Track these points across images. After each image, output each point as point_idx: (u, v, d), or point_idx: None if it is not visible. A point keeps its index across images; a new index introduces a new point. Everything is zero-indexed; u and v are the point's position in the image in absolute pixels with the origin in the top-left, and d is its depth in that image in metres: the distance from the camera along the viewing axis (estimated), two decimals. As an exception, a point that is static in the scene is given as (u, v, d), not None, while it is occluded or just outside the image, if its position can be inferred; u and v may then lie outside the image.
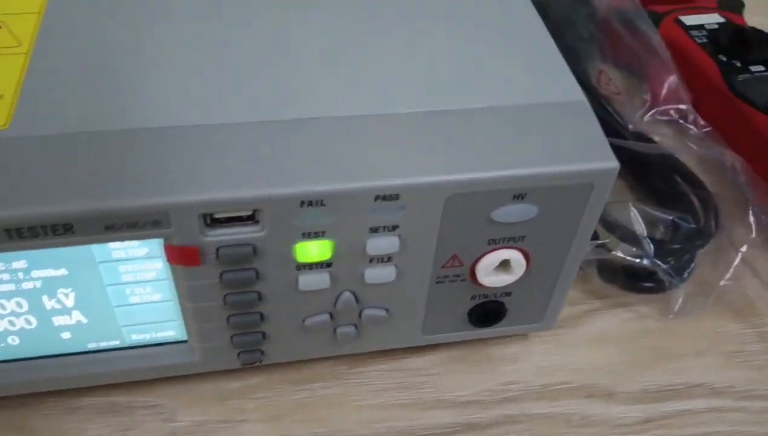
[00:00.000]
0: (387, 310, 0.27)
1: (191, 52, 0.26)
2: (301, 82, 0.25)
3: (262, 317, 0.26)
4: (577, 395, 0.31)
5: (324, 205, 0.23)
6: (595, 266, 0.34)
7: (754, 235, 0.33)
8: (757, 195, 0.34)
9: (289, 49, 0.27)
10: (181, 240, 0.23)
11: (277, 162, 0.23)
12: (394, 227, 0.24)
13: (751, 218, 0.33)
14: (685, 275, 0.33)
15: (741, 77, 0.41)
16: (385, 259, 0.25)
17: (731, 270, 0.33)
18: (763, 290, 0.34)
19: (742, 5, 0.48)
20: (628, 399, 0.31)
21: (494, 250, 0.26)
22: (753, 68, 0.41)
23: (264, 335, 0.27)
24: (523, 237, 0.26)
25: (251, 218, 0.23)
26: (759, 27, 0.48)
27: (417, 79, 0.26)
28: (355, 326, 0.28)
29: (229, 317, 0.26)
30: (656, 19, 0.45)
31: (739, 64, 0.42)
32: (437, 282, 0.27)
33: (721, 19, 0.45)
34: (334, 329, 0.28)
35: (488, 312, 0.29)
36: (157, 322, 0.27)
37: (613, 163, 0.24)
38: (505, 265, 0.27)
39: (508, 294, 0.28)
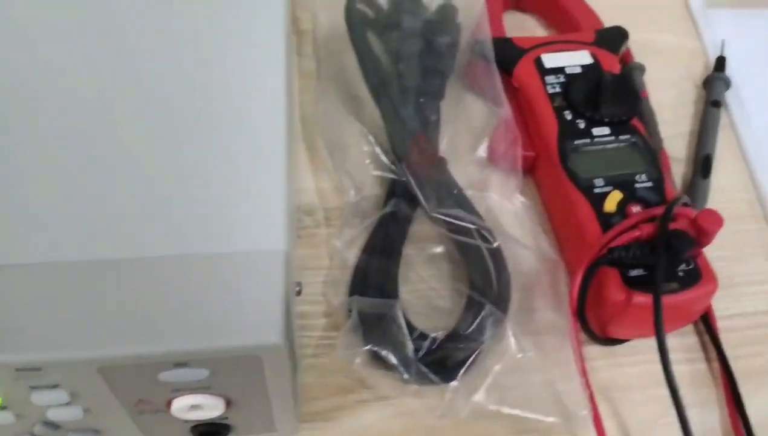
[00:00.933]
0: (97, 431, 0.27)
1: None
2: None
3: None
4: (317, 497, 0.31)
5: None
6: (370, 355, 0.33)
7: (512, 349, 0.32)
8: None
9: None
10: None
11: None
12: (55, 386, 0.24)
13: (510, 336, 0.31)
14: (456, 375, 0.32)
15: (576, 143, 0.38)
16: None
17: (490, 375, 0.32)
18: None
19: (624, 38, 0.44)
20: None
21: (180, 396, 0.25)
22: (596, 131, 0.38)
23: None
24: (208, 387, 0.25)
25: None
26: (667, 47, 0.44)
27: (78, 223, 0.24)
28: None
29: None
30: (516, 56, 0.42)
31: (582, 125, 0.38)
32: (139, 414, 0.27)
33: (590, 60, 0.42)
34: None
35: (210, 432, 0.29)
36: None
37: (276, 340, 0.23)
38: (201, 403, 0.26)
39: (225, 417, 0.28)
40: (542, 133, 0.39)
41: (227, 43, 0.31)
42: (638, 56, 0.47)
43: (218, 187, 0.26)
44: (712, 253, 0.38)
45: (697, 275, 0.33)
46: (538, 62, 0.41)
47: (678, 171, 0.43)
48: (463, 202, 0.37)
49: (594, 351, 0.35)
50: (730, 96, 0.46)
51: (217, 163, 0.26)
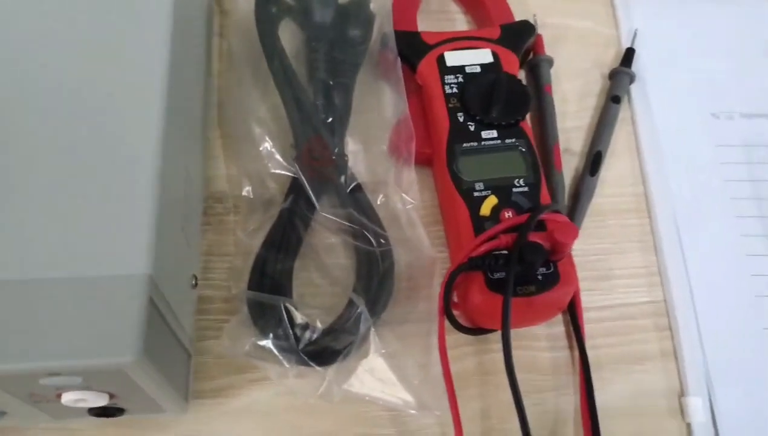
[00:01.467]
0: (3, 412, 0.32)
1: None
2: None
3: None
4: (204, 465, 0.36)
5: None
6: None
7: (377, 344, 0.36)
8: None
9: None
10: None
11: None
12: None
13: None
14: (332, 363, 0.36)
15: (464, 146, 0.40)
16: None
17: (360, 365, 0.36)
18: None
19: (529, 33, 0.46)
20: (247, 474, 0.36)
21: (66, 392, 0.29)
22: (484, 134, 0.41)
23: None
24: (88, 387, 0.29)
25: None
26: (582, 34, 0.48)
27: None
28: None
29: None
30: (422, 52, 0.44)
31: (473, 128, 0.41)
32: (36, 402, 0.31)
33: (490, 59, 0.43)
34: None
35: (105, 412, 0.33)
36: None
37: (133, 358, 0.27)
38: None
39: (114, 404, 0.32)
40: (437, 133, 0.41)
41: (104, 43, 0.32)
42: (553, 43, 0.49)
43: (84, 207, 0.28)
44: (594, 246, 0.42)
45: (555, 279, 0.36)
46: (441, 60, 0.43)
47: (573, 165, 0.46)
48: (357, 202, 0.40)
49: (466, 340, 0.39)
50: (635, 89, 0.48)
51: (82, 181, 0.29)
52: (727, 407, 0.39)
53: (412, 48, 0.44)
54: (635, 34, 0.49)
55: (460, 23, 0.50)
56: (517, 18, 0.47)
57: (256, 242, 0.40)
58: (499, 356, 0.39)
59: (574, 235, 0.35)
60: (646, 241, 0.43)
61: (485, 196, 0.38)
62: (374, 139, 0.42)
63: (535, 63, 0.47)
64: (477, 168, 0.39)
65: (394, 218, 0.40)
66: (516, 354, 0.39)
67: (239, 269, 0.39)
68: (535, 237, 0.36)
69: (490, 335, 0.40)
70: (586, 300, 0.41)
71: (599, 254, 0.43)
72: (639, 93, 0.48)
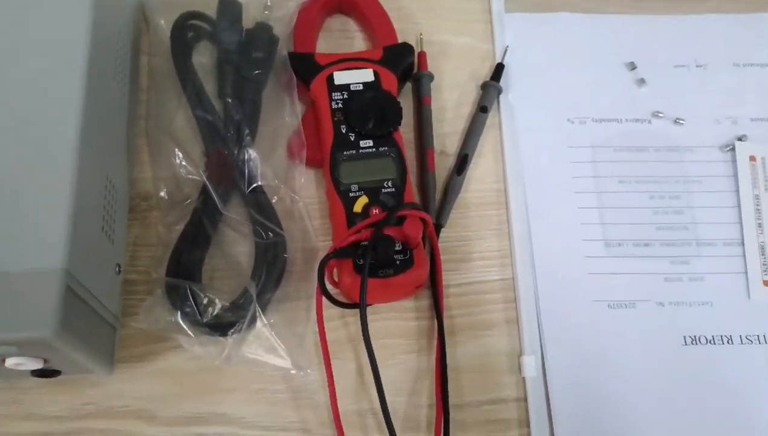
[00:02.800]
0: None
1: None
2: None
3: None
4: (129, 416, 0.45)
5: None
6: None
7: (262, 319, 0.44)
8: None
9: None
10: None
11: None
12: None
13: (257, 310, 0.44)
14: (231, 333, 0.45)
15: (345, 153, 0.49)
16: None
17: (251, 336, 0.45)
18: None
19: (408, 54, 0.54)
20: (164, 422, 0.45)
21: (6, 358, 0.38)
22: (362, 143, 0.49)
23: None
24: (24, 354, 0.38)
25: None
26: (461, 50, 0.57)
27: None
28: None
29: None
30: (314, 72, 0.52)
31: (352, 138, 0.49)
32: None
33: (371, 78, 0.52)
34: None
35: (44, 374, 0.42)
36: None
37: (47, 333, 0.35)
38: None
39: (49, 366, 0.41)
40: (324, 143, 0.50)
41: (21, 50, 0.40)
42: (437, 58, 0.57)
43: (8, 212, 0.36)
44: (458, 233, 0.51)
45: (409, 263, 0.45)
46: (330, 79, 0.51)
47: (446, 164, 0.54)
48: (257, 201, 0.48)
49: (342, 313, 0.48)
50: (504, 97, 0.56)
51: (5, 188, 0.36)
52: (556, 364, 0.48)
53: (307, 68, 0.52)
54: (506, 50, 0.57)
55: (358, 41, 0.58)
56: (407, 35, 0.56)
57: (174, 235, 0.48)
58: (370, 326, 0.48)
59: (419, 229, 0.44)
60: (502, 229, 0.52)
61: (358, 196, 0.47)
62: (276, 146, 0.50)
63: (417, 78, 0.55)
64: (353, 172, 0.48)
65: (288, 213, 0.49)
66: (386, 324, 0.48)
67: (159, 257, 0.48)
68: (393, 230, 0.45)
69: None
70: (447, 278, 0.50)
71: (462, 240, 0.52)
72: (506, 102, 0.56)
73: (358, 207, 0.47)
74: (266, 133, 0.51)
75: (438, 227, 0.51)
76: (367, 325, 0.43)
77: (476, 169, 0.54)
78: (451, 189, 0.52)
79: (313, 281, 0.47)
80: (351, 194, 0.47)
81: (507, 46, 0.58)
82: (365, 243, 0.44)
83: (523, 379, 0.48)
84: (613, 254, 0.51)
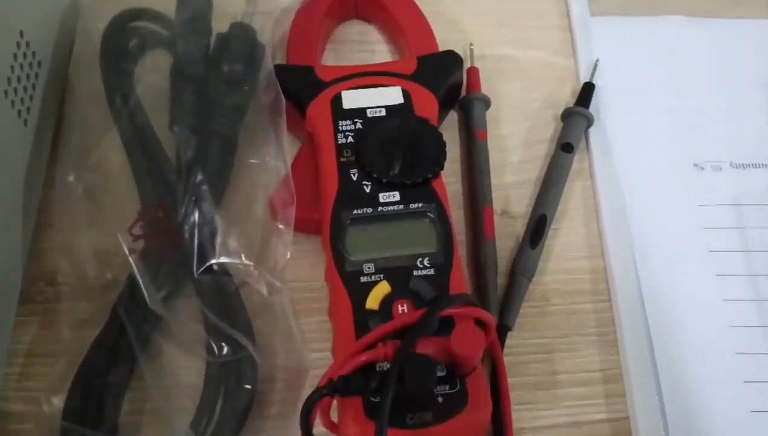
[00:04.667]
0: None
1: None
2: None
3: None
4: None
5: None
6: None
7: None
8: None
9: None
10: None
11: None
12: None
13: None
14: None
15: (355, 213, 0.31)
16: None
17: None
18: None
19: (455, 67, 0.36)
20: None
21: None
22: (383, 197, 0.31)
23: None
24: None
25: None
26: (531, 66, 0.39)
27: None
28: None
29: None
30: (314, 91, 0.34)
31: (368, 189, 0.31)
32: None
33: (400, 100, 0.34)
34: None
35: None
36: None
37: None
38: None
39: None
40: (324, 196, 0.32)
41: None
42: (494, 76, 0.40)
43: None
44: (534, 341, 0.32)
45: (462, 401, 0.26)
46: (336, 101, 0.34)
47: (512, 231, 0.36)
48: (214, 289, 0.30)
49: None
50: (596, 132, 0.38)
51: None
52: None
53: (303, 86, 0.35)
54: (596, 66, 0.39)
55: (382, 55, 0.41)
56: (448, 48, 0.38)
57: (86, 343, 0.30)
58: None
59: (477, 346, 0.25)
60: (604, 334, 0.33)
61: (375, 283, 0.29)
62: (252, 203, 0.33)
63: (467, 103, 0.37)
64: (368, 243, 0.30)
65: (264, 309, 0.31)
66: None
67: (60, 376, 0.30)
68: (433, 344, 0.26)
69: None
70: (519, 419, 0.31)
71: (542, 351, 0.33)
72: (600, 137, 0.38)
73: (373, 301, 0.28)
74: (238, 185, 0.34)
75: (503, 331, 0.32)
76: None
77: (557, 239, 0.35)
78: (521, 269, 0.33)
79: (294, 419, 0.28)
80: (363, 279, 0.29)
81: (597, 60, 0.40)
82: (385, 367, 0.25)
83: None
84: (788, 377, 0.32)
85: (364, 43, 0.41)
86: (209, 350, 0.29)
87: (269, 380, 0.29)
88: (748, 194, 0.36)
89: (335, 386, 0.25)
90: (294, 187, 0.32)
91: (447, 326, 0.26)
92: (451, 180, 0.36)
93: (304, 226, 0.32)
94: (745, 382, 0.32)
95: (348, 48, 0.41)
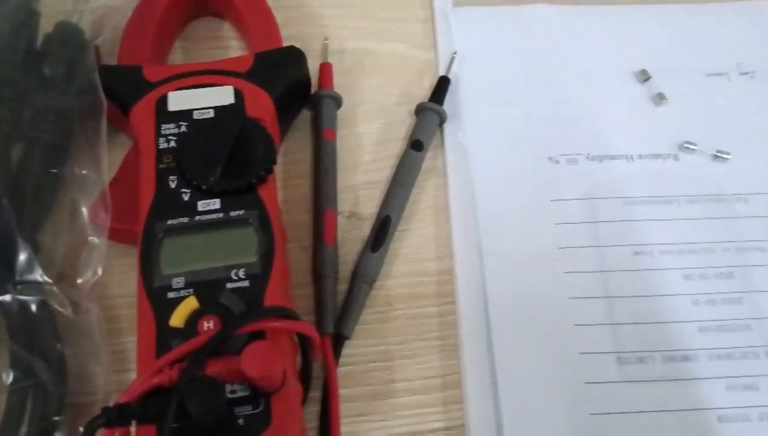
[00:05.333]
0: None
1: None
2: None
3: None
4: None
5: None
6: None
7: None
8: None
9: None
10: None
11: None
12: None
13: None
14: None
15: (169, 223, 0.29)
16: None
17: None
18: None
19: (297, 63, 0.34)
20: None
21: None
22: (202, 205, 0.29)
23: None
24: None
25: None
26: (389, 61, 0.38)
27: None
28: None
29: None
30: (139, 93, 0.32)
31: (187, 197, 0.30)
32: None
33: (231, 100, 0.32)
34: None
35: None
36: None
37: None
38: None
39: None
40: (141, 205, 0.30)
41: None
42: (352, 72, 0.38)
43: None
44: (373, 348, 0.31)
45: (264, 421, 0.25)
46: (161, 103, 0.32)
47: (363, 233, 0.34)
48: (9, 311, 0.28)
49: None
50: (450, 128, 0.37)
51: None
52: None
53: (128, 88, 0.33)
54: (452, 59, 0.38)
55: (235, 53, 0.39)
56: (313, 43, 0.37)
57: None
58: None
59: (272, 364, 0.24)
60: (446, 339, 0.32)
61: (183, 298, 0.27)
62: (61, 216, 0.31)
63: (315, 101, 0.36)
64: (181, 256, 0.28)
65: (72, 327, 0.29)
66: None
67: None
68: (221, 366, 0.24)
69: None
70: (353, 431, 0.29)
71: (380, 359, 0.31)
72: (454, 135, 0.37)
73: (178, 318, 0.27)
74: (65, 195, 0.32)
75: (339, 341, 0.31)
76: None
77: (405, 240, 0.34)
78: (361, 275, 0.32)
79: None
80: (171, 295, 0.27)
81: (455, 53, 0.38)
82: (159, 396, 0.24)
83: None
84: (630, 376, 0.31)
85: (217, 39, 0.39)
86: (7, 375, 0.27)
87: (70, 406, 0.27)
88: (601, 187, 0.35)
89: (108, 415, 0.23)
90: (117, 197, 0.31)
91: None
92: (298, 182, 0.35)
93: (129, 238, 0.30)
94: (586, 383, 0.31)
95: (200, 46, 0.39)
